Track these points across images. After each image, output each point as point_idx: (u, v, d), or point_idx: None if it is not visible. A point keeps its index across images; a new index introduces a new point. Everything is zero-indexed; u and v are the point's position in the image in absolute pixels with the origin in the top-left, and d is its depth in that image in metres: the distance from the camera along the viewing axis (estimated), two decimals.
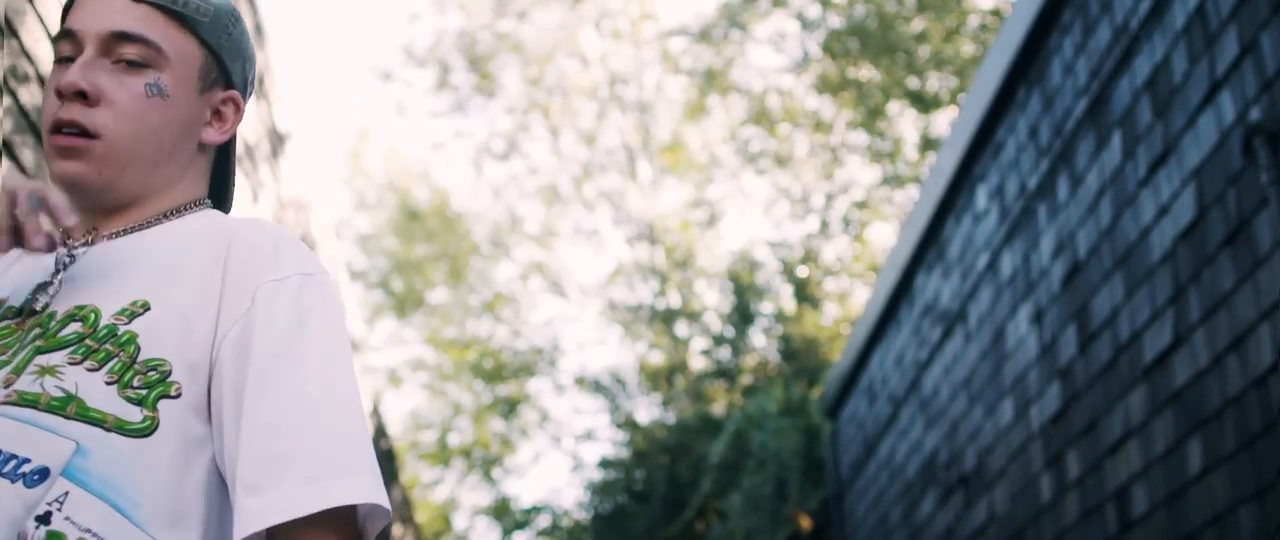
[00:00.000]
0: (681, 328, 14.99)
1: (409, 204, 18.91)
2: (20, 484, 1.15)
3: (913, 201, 6.83)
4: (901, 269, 6.63)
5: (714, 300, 15.24)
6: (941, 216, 5.99)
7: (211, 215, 1.42)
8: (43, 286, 1.32)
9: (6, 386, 1.21)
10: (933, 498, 6.00)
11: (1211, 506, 3.22)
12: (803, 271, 14.44)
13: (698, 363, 14.43)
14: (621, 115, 17.86)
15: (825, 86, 14.28)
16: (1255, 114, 3.06)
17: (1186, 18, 3.50)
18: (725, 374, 13.84)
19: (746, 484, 10.21)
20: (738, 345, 13.93)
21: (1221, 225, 3.23)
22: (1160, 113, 3.65)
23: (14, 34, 3.02)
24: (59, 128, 1.33)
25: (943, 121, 13.60)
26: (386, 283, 19.07)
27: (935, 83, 13.57)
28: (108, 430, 1.18)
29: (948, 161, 5.77)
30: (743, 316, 13.90)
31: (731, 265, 14.86)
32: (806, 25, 14.31)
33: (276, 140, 5.64)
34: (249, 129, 5.14)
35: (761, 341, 14.11)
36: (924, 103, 13.48)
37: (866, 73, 13.89)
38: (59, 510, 1.14)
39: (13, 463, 1.15)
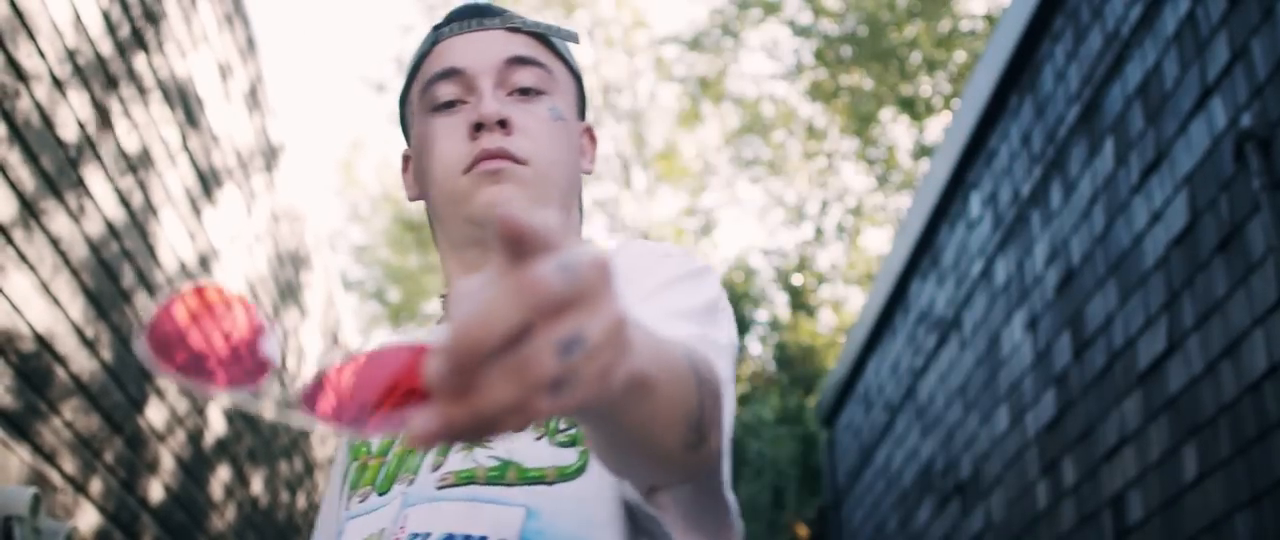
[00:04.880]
0: None
1: (403, 214, 18.91)
2: None
3: (907, 208, 6.84)
4: (896, 276, 6.63)
5: None
6: (935, 224, 5.99)
7: (590, 247, 1.34)
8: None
9: (437, 470, 1.18)
10: (929, 505, 6.00)
11: (1207, 513, 3.22)
12: (797, 279, 14.45)
13: None
14: (615, 123, 17.87)
15: (818, 93, 14.30)
16: (1246, 120, 3.06)
17: (1177, 24, 3.50)
18: None
19: (743, 492, 10.21)
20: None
21: (1214, 231, 3.23)
22: (1152, 119, 3.65)
23: (6, 50, 3.01)
24: (482, 158, 1.27)
25: (935, 128, 13.62)
26: (381, 293, 19.06)
27: (928, 88, 13.59)
28: (550, 484, 1.13)
29: (941, 168, 5.78)
30: (738, 325, 13.90)
31: (726, 273, 14.86)
32: (799, 32, 14.33)
33: (270, 152, 5.63)
34: (242, 141, 5.14)
35: (757, 349, 14.11)
36: (915, 109, 13.49)
37: (859, 79, 13.90)
38: None
39: None
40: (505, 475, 1.14)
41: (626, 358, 0.60)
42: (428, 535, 1.13)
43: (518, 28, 1.34)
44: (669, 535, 1.09)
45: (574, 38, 1.39)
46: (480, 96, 1.29)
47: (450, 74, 1.32)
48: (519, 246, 0.55)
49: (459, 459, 1.17)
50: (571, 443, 1.15)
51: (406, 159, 1.42)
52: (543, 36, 1.36)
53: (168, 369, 0.75)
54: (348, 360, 0.69)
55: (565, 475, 1.14)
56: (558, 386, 0.55)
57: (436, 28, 1.37)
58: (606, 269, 0.57)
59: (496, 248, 0.55)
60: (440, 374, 0.54)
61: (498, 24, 1.34)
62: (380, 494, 1.22)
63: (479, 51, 1.32)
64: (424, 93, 1.34)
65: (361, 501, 1.24)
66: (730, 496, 1.04)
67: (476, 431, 0.56)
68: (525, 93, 1.31)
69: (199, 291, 0.76)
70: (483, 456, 1.16)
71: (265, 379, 0.75)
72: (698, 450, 0.90)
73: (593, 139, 1.44)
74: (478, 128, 1.27)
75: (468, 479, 1.15)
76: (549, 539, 1.11)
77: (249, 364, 0.76)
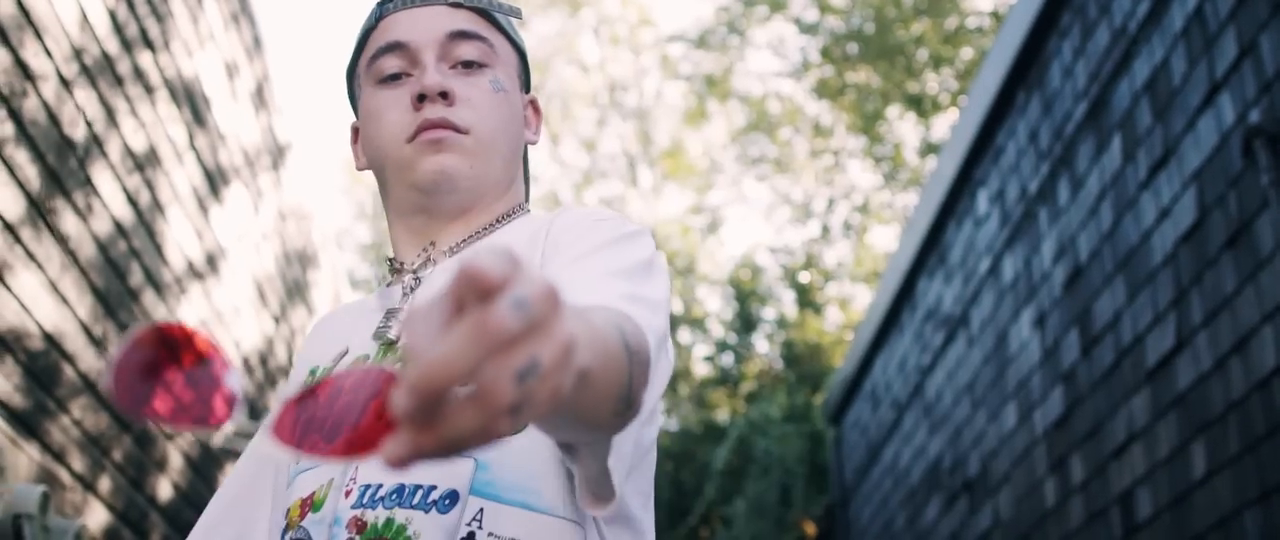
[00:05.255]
0: (684, 334, 14.98)
1: None
2: (434, 512, 1.15)
3: (914, 206, 6.83)
4: (903, 274, 6.63)
5: (716, 306, 15.25)
6: (943, 221, 5.99)
7: (533, 216, 1.42)
8: (393, 313, 1.32)
9: None
10: (937, 503, 5.99)
11: (1216, 510, 3.21)
12: (804, 277, 14.44)
13: (701, 369, 14.42)
14: (621, 121, 17.87)
15: (824, 91, 14.29)
16: (1255, 116, 3.05)
17: (1185, 20, 3.50)
18: (728, 380, 13.83)
19: (750, 490, 10.20)
20: (740, 351, 13.92)
21: (1222, 227, 3.23)
22: (1160, 115, 3.64)
23: (13, 49, 3.02)
24: (425, 128, 1.32)
25: (942, 126, 13.61)
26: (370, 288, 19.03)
27: (934, 85, 13.57)
28: None
29: (948, 166, 5.77)
30: (745, 323, 13.90)
31: (733, 271, 14.85)
32: (805, 29, 14.32)
33: (277, 151, 5.63)
34: (249, 140, 5.14)
35: (764, 347, 14.10)
36: (922, 107, 13.47)
37: (865, 76, 13.89)
38: (480, 528, 1.15)
39: (421, 493, 1.17)
40: None
41: (573, 370, 0.65)
42: (380, 486, 1.18)
43: (460, 3, 1.39)
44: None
45: (516, 13, 1.45)
46: (423, 69, 1.34)
47: (395, 47, 1.37)
48: (481, 293, 0.59)
49: None
50: None
51: (355, 130, 1.47)
52: (485, 12, 1.41)
53: (134, 411, 0.75)
54: (311, 387, 0.70)
55: None
56: (516, 409, 0.59)
57: (382, 2, 1.42)
58: (556, 297, 0.62)
59: (456, 288, 0.59)
60: (407, 407, 0.58)
61: None
62: None
63: (422, 26, 1.37)
64: (370, 65, 1.39)
65: None
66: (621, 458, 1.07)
67: (443, 454, 0.60)
68: (468, 66, 1.36)
69: (160, 330, 0.76)
70: None
71: (232, 415, 0.76)
72: (625, 416, 0.94)
73: (537, 110, 1.49)
74: (421, 99, 1.32)
75: None
76: (498, 488, 1.16)
77: (214, 401, 0.77)
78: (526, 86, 1.47)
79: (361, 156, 1.44)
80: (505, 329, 0.58)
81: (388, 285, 1.42)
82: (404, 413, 0.58)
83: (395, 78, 1.36)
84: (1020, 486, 4.77)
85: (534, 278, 0.61)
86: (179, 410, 0.76)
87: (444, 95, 1.32)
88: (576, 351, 0.65)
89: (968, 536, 5.44)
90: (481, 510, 1.15)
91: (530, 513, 1.16)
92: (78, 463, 3.50)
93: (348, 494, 1.20)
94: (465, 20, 1.38)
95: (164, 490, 4.25)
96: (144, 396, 0.75)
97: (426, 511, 1.15)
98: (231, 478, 1.45)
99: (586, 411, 0.87)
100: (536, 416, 0.62)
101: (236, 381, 0.78)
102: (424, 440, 0.59)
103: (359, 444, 0.67)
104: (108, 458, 3.73)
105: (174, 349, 0.76)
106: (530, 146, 1.49)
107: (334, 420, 0.69)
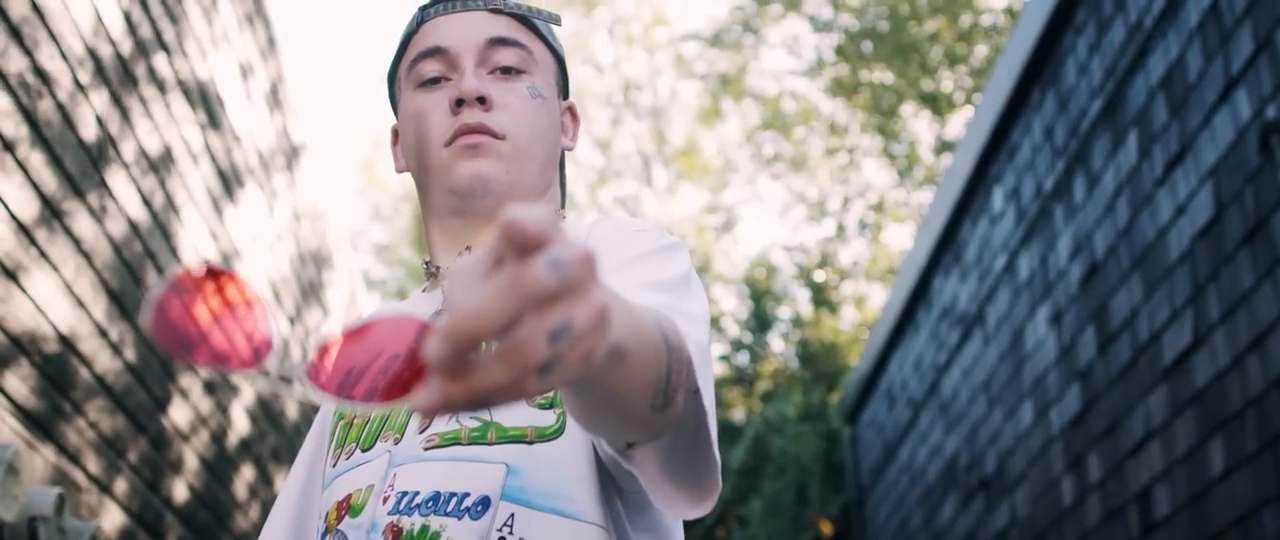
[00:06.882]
0: None
1: None
2: (467, 519, 1.17)
3: (929, 203, 6.81)
4: (919, 272, 6.61)
5: (731, 306, 15.23)
6: (958, 219, 5.97)
7: (569, 223, 1.42)
8: (436, 316, 1.32)
9: (423, 431, 1.25)
10: (954, 501, 5.98)
11: (1234, 507, 3.19)
12: (820, 276, 14.42)
13: (716, 369, 14.41)
14: (636, 121, 17.87)
15: (839, 89, 14.26)
16: (1271, 111, 3.03)
17: (1200, 15, 3.48)
18: (743, 380, 13.82)
19: (766, 490, 10.19)
20: (756, 351, 13.91)
21: (1239, 223, 3.21)
22: (1176, 111, 3.62)
23: (28, 51, 3.03)
24: (462, 133, 1.34)
25: (957, 123, 13.57)
26: (404, 293, 19.09)
27: (949, 83, 13.53)
28: (530, 443, 1.20)
29: (963, 163, 5.75)
30: (760, 322, 13.88)
31: (748, 270, 14.84)
32: (819, 28, 14.29)
33: (291, 152, 5.64)
34: (264, 141, 5.15)
35: (779, 346, 14.08)
36: (937, 104, 13.44)
37: (879, 74, 13.86)
38: (510, 533, 1.16)
39: (454, 500, 1.19)
40: (486, 435, 1.21)
41: (607, 338, 0.65)
42: (416, 493, 1.20)
43: (500, 9, 1.41)
44: (644, 491, 1.15)
45: (556, 20, 1.46)
46: (462, 74, 1.36)
47: (435, 52, 1.39)
48: (520, 246, 0.59)
49: (443, 421, 1.24)
50: (549, 405, 1.22)
51: (395, 132, 1.49)
52: (525, 18, 1.42)
53: (173, 351, 0.77)
54: (348, 333, 0.72)
55: (544, 436, 1.20)
56: (546, 369, 0.60)
57: (423, 8, 1.44)
58: (592, 262, 0.62)
59: (498, 243, 0.60)
60: (440, 355, 0.59)
61: (480, 5, 1.41)
62: (364, 451, 1.29)
63: (462, 32, 1.39)
64: (410, 70, 1.41)
65: (347, 458, 1.30)
66: (716, 453, 1.07)
67: (472, 407, 0.61)
68: (506, 72, 1.38)
69: (198, 274, 0.78)
70: (465, 418, 1.23)
71: (268, 358, 0.78)
72: (663, 412, 0.93)
73: (574, 117, 1.51)
74: (459, 104, 1.34)
75: (452, 440, 1.22)
76: (529, 494, 1.18)
77: (253, 343, 0.78)
78: (564, 93, 1.48)
79: (401, 159, 1.46)
80: (541, 285, 0.59)
81: (425, 290, 1.43)
82: (436, 361, 0.59)
83: (434, 82, 1.38)
84: (1037, 485, 4.76)
85: (572, 242, 0.61)
86: (217, 352, 0.77)
87: (482, 100, 1.34)
88: (611, 322, 0.65)
89: (984, 535, 5.42)
90: (512, 516, 1.16)
91: (562, 519, 1.16)
92: (93, 465, 3.51)
93: (385, 500, 1.21)
94: (505, 27, 1.40)
95: (179, 492, 4.26)
96: (183, 338, 0.77)
97: (459, 518, 1.17)
98: (288, 485, 1.46)
99: (623, 398, 0.87)
100: (566, 379, 0.62)
101: (272, 325, 0.79)
102: (454, 390, 0.60)
103: (390, 390, 0.68)
104: (123, 460, 3.74)
105: (212, 291, 0.78)
106: (567, 153, 1.49)
107: (367, 366, 0.70)
